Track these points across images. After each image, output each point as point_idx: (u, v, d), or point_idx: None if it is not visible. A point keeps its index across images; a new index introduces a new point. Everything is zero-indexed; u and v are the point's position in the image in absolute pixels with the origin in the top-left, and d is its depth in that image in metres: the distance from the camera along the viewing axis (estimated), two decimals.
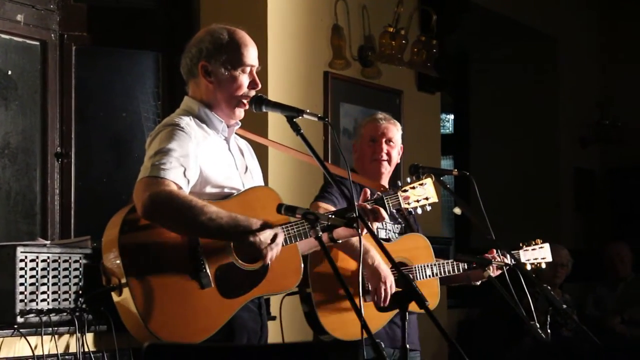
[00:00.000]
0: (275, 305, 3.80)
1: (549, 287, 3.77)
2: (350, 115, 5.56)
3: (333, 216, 2.87)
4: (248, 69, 3.03)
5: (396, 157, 3.98)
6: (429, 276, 3.83)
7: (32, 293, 3.22)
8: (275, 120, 4.56)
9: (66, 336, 3.33)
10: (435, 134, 6.50)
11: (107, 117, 4.95)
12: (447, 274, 3.87)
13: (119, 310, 2.84)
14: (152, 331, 2.72)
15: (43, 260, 3.26)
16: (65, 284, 3.32)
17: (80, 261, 3.37)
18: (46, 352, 3.22)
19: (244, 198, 2.97)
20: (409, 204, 3.41)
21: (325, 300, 3.60)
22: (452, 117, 8.71)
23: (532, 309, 3.73)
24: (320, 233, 2.75)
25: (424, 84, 6.21)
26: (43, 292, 3.25)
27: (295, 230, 2.96)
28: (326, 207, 3.67)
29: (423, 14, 6.07)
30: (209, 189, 2.92)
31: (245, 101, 3.02)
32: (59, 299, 3.29)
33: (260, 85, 3.05)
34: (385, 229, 3.92)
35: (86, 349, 3.30)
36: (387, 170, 3.95)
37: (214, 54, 2.99)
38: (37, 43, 4.69)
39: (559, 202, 8.13)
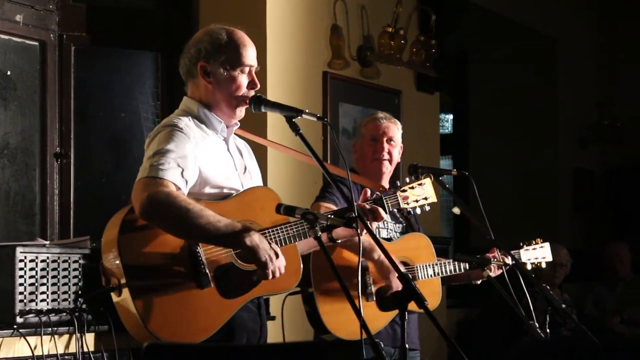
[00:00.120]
0: (276, 305, 3.80)
1: (547, 287, 3.77)
2: (350, 115, 5.56)
3: (332, 216, 2.87)
4: (247, 69, 3.03)
5: (397, 157, 3.99)
6: (431, 275, 3.83)
7: (31, 293, 3.22)
8: (275, 121, 4.56)
9: (66, 336, 3.33)
10: (434, 134, 6.51)
11: (107, 117, 4.95)
12: (448, 273, 3.88)
13: (119, 311, 2.84)
14: (152, 331, 2.72)
15: (42, 261, 3.26)
16: (64, 284, 3.32)
17: (80, 261, 3.37)
18: (46, 353, 3.22)
19: (243, 198, 2.97)
20: (407, 204, 3.41)
21: (327, 299, 3.60)
22: (451, 117, 8.71)
23: (531, 308, 3.74)
24: (320, 233, 2.75)
25: (423, 84, 6.21)
26: (42, 292, 3.25)
27: (294, 230, 2.96)
28: (328, 206, 3.67)
29: (422, 14, 6.08)
30: (208, 190, 2.92)
31: (245, 101, 3.02)
32: (58, 299, 3.29)
33: (259, 86, 3.05)
34: (387, 229, 3.92)
35: (86, 349, 3.30)
36: (388, 170, 3.96)
37: (212, 55, 2.99)
38: (36, 43, 4.69)
39: (558, 202, 8.14)
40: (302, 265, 3.05)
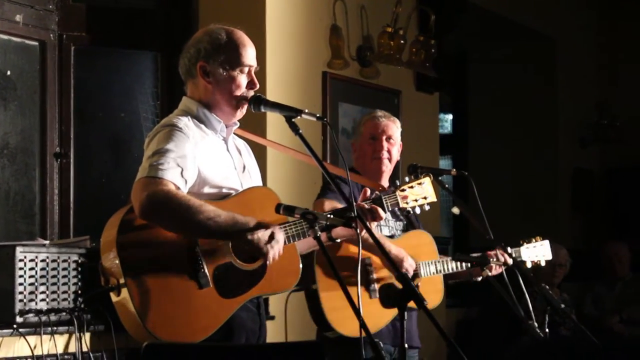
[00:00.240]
0: (277, 305, 3.81)
1: (547, 287, 3.77)
2: (349, 115, 5.56)
3: (331, 216, 2.88)
4: (246, 69, 3.03)
5: (396, 155, 3.99)
6: (433, 273, 3.83)
7: (31, 293, 3.22)
8: (274, 120, 4.56)
9: (65, 336, 3.34)
10: (433, 134, 6.51)
11: (106, 117, 4.95)
12: (451, 270, 3.88)
13: (118, 310, 2.84)
14: (151, 331, 2.73)
15: (42, 260, 3.27)
16: (64, 283, 3.32)
17: (79, 261, 3.37)
18: (45, 352, 3.23)
19: (242, 198, 2.97)
20: (407, 203, 3.42)
21: (331, 296, 3.60)
22: (450, 117, 8.71)
23: (531, 308, 3.74)
24: (319, 233, 2.76)
25: (423, 83, 6.21)
26: (42, 292, 3.25)
27: (293, 230, 2.96)
28: (332, 203, 3.68)
29: (421, 14, 6.08)
30: (207, 189, 2.92)
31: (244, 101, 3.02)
32: (57, 299, 3.30)
33: (258, 85, 3.06)
34: (388, 226, 3.93)
35: (85, 349, 3.31)
36: (387, 169, 3.96)
37: (212, 54, 2.99)
38: (36, 43, 4.69)
39: (557, 202, 8.14)
40: (301, 265, 3.06)
